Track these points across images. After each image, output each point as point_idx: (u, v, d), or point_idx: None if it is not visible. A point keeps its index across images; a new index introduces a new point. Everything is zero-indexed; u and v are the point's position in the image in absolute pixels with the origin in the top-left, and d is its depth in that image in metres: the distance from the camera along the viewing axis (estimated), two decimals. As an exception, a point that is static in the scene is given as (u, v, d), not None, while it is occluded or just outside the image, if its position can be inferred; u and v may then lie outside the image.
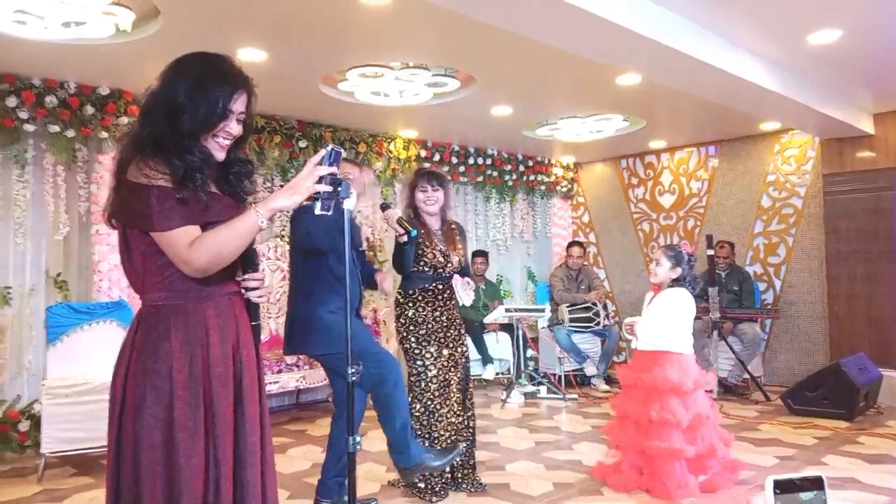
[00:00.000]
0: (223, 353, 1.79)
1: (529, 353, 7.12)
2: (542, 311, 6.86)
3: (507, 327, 7.03)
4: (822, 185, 6.81)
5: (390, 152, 6.91)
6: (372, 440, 4.53)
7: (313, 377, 5.58)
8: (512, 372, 6.96)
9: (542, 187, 8.50)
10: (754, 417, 5.60)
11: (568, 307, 7.06)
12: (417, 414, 3.64)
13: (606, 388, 6.94)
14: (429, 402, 3.67)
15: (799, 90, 5.24)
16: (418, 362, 3.70)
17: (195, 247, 1.69)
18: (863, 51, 4.68)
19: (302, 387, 5.62)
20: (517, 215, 8.39)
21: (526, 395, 6.57)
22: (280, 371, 5.31)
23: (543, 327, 7.41)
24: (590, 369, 7.04)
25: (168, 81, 1.80)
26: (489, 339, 6.97)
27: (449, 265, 3.80)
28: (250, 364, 1.86)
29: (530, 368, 6.98)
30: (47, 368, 4.54)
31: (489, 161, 7.82)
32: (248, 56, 4.39)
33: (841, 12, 4.03)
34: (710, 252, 6.40)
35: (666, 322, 3.82)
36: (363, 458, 4.34)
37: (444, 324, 3.77)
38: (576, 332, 7.01)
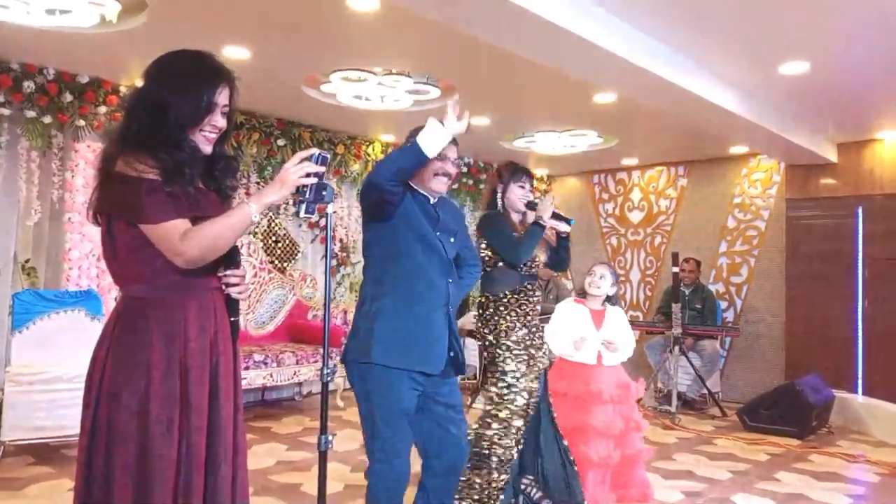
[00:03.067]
0: (201, 349, 1.81)
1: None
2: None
3: (475, 333, 7.09)
4: (785, 209, 7.02)
5: (368, 155, 6.96)
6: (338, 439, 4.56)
7: (280, 375, 5.59)
8: (478, 377, 7.03)
9: (516, 197, 8.58)
10: (711, 432, 5.75)
11: (536, 317, 7.15)
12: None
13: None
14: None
15: (767, 117, 5.41)
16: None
17: (188, 238, 1.72)
18: (829, 83, 4.86)
19: (268, 384, 5.63)
20: (490, 224, 8.47)
21: (490, 401, 6.64)
22: (247, 367, 5.32)
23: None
24: (554, 378, 7.14)
25: (153, 78, 1.84)
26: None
27: (537, 259, 3.50)
28: (227, 360, 1.88)
29: (496, 375, 7.04)
30: (11, 355, 4.48)
31: (465, 169, 7.91)
32: (233, 54, 4.41)
33: (809, 46, 4.19)
34: (676, 269, 6.56)
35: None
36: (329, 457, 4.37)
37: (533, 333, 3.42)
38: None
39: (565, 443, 3.48)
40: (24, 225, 4.97)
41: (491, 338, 3.31)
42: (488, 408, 3.24)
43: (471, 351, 7.15)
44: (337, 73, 4.99)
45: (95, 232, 4.91)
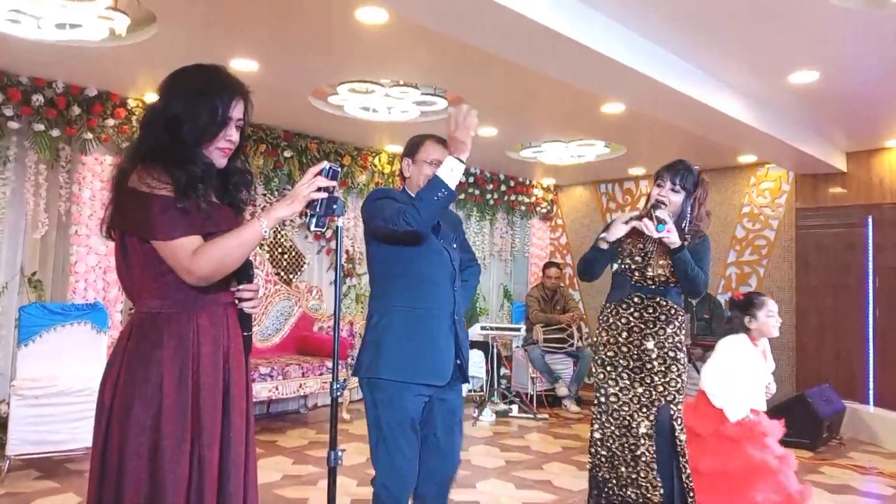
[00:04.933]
0: (214, 364, 1.81)
1: (503, 371, 7.16)
2: (518, 330, 6.92)
3: (482, 345, 7.08)
4: (795, 219, 6.98)
5: (374, 166, 6.96)
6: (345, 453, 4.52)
7: (286, 387, 5.56)
8: (485, 390, 6.99)
9: (522, 208, 8.59)
10: (721, 444, 5.69)
11: (543, 327, 7.13)
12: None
13: (577, 409, 6.99)
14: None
15: (776, 126, 5.39)
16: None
17: (198, 256, 1.72)
18: (838, 92, 4.84)
19: (274, 397, 5.60)
20: (496, 234, 8.47)
21: (497, 413, 6.61)
22: (253, 380, 5.29)
23: (518, 346, 7.47)
24: (561, 390, 7.09)
25: (167, 94, 1.84)
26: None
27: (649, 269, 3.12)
28: (239, 375, 1.88)
29: (503, 387, 7.03)
30: (17, 369, 4.47)
31: (471, 179, 7.90)
32: (241, 66, 4.41)
33: (819, 55, 4.18)
34: (684, 279, 6.51)
35: None
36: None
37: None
38: (549, 352, 7.08)
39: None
40: (30, 238, 4.97)
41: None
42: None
43: (476, 364, 7.11)
44: (344, 84, 5.00)
45: (102, 245, 4.97)
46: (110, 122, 5.09)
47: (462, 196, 7.87)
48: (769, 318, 3.36)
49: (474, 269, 2.98)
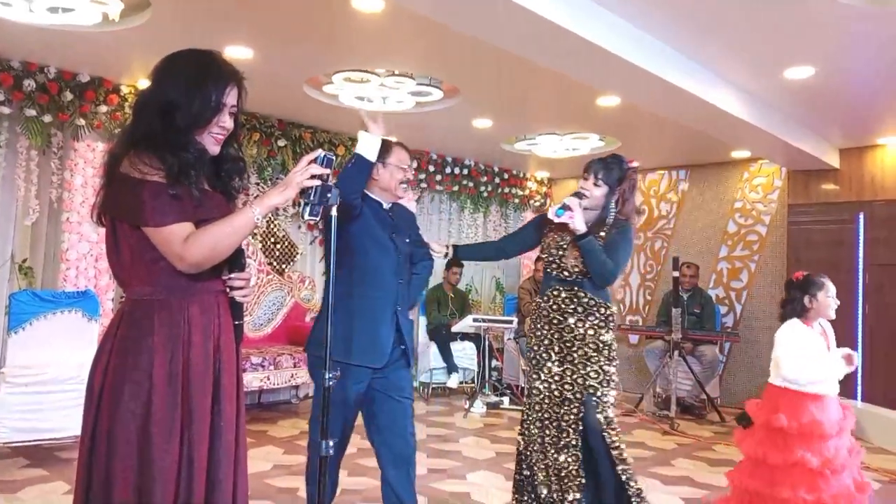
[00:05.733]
0: (204, 352, 1.79)
1: (494, 363, 7.17)
2: (510, 322, 6.93)
3: (474, 337, 7.08)
4: (787, 215, 7.01)
5: (368, 157, 6.93)
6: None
7: (277, 377, 5.56)
8: (476, 381, 7.01)
9: (516, 200, 8.59)
10: (709, 437, 5.73)
11: (535, 320, 7.12)
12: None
13: (568, 402, 7.00)
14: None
15: (771, 122, 5.40)
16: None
17: (190, 242, 1.70)
18: (833, 88, 4.85)
19: (265, 387, 5.60)
20: (490, 226, 8.47)
21: (488, 405, 6.62)
22: (244, 370, 5.28)
23: (509, 338, 7.47)
24: (553, 383, 7.11)
25: (160, 79, 1.81)
26: (455, 347, 7.02)
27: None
28: (230, 364, 1.86)
29: (494, 379, 7.04)
30: (7, 356, 4.45)
31: (466, 171, 7.89)
32: (235, 54, 4.38)
33: (815, 50, 4.18)
34: (676, 274, 6.53)
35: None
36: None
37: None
38: (541, 345, 7.07)
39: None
40: (21, 224, 4.94)
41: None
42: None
43: (468, 356, 7.12)
44: (339, 73, 4.97)
45: (93, 232, 4.94)
46: (103, 108, 5.05)
47: (456, 188, 7.86)
48: (828, 298, 3.39)
49: (427, 263, 3.23)
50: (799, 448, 3.13)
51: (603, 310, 3.07)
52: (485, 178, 8.12)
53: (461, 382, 7.07)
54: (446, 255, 3.31)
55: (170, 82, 1.79)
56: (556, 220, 2.99)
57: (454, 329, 6.87)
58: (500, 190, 8.33)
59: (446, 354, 6.89)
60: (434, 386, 7.10)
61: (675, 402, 6.18)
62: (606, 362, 3.04)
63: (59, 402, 4.20)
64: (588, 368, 3.02)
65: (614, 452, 2.99)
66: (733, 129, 5.40)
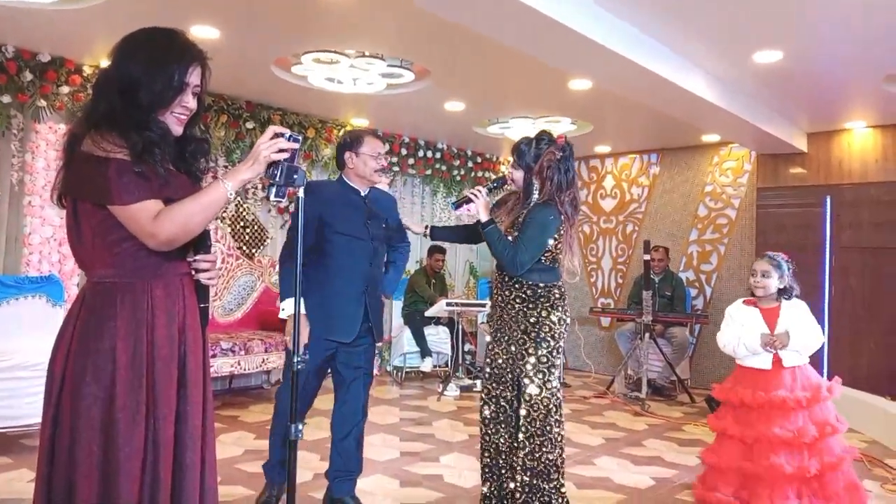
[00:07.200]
0: (169, 335, 1.76)
1: (467, 347, 7.19)
2: (483, 306, 6.94)
3: (447, 322, 7.09)
4: (756, 198, 7.09)
5: (339, 139, 6.86)
6: (309, 428, 4.50)
7: (248, 363, 5.51)
8: (449, 365, 7.02)
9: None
10: (679, 418, 5.81)
11: (508, 304, 7.14)
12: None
13: (541, 384, 7.06)
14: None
15: (740, 106, 5.44)
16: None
17: (161, 219, 1.66)
18: (801, 73, 4.90)
19: (236, 372, 5.54)
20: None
21: (462, 388, 6.64)
22: (215, 355, 5.22)
23: (483, 322, 7.49)
24: (525, 366, 7.15)
25: (122, 57, 1.76)
26: (429, 331, 7.02)
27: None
28: (196, 347, 1.83)
29: (468, 362, 7.05)
30: (-31, 343, 4.35)
31: (438, 155, 7.86)
32: (201, 34, 4.29)
33: (783, 34, 4.21)
34: (647, 257, 6.59)
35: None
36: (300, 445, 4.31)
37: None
38: (514, 328, 7.10)
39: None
40: (-19, 208, 4.81)
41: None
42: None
43: (442, 339, 7.13)
44: (308, 54, 4.89)
45: (56, 216, 4.83)
46: (65, 89, 4.93)
47: (429, 171, 7.83)
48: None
49: (405, 247, 3.49)
50: (761, 422, 3.29)
51: (552, 295, 3.00)
52: (458, 162, 8.09)
53: (435, 366, 7.08)
54: (425, 234, 3.40)
55: (131, 61, 1.74)
56: (454, 212, 3.05)
57: (427, 314, 6.86)
58: (473, 174, 8.31)
59: (420, 339, 6.89)
60: (408, 370, 7.10)
61: (646, 384, 6.25)
62: (548, 348, 2.97)
63: (23, 389, 4.11)
64: (537, 353, 2.96)
65: (539, 439, 2.97)
66: (703, 112, 5.43)
